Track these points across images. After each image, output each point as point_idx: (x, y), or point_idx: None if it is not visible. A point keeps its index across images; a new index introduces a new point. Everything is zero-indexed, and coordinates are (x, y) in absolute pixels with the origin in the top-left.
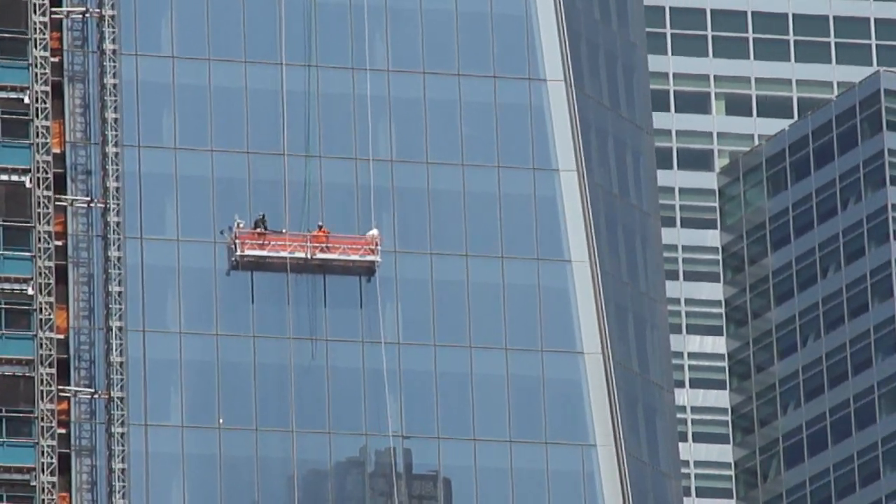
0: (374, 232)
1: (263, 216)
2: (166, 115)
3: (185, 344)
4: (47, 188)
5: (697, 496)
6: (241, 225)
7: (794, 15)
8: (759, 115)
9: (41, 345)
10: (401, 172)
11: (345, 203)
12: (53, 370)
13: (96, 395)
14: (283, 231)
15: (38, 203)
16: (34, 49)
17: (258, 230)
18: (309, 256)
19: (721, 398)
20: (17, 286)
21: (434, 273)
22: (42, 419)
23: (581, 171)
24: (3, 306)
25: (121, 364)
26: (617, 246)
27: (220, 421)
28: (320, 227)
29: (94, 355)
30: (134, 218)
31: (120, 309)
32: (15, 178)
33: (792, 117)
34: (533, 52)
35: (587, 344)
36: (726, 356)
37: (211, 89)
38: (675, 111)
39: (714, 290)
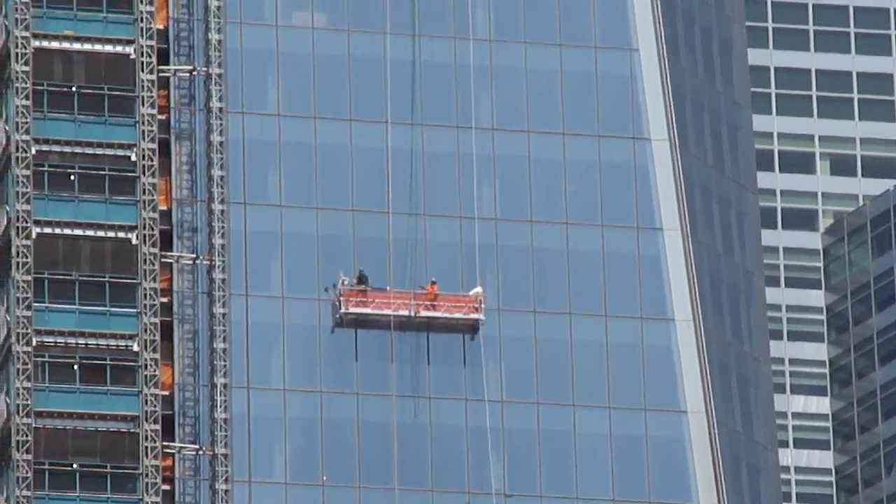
0: (478, 290)
1: (362, 272)
2: (272, 172)
3: (289, 401)
4: (153, 245)
5: None
6: (346, 282)
7: None
8: (863, 175)
9: (146, 401)
10: (505, 231)
11: (449, 261)
12: (158, 426)
13: (201, 452)
14: (387, 289)
15: (145, 260)
16: (141, 107)
17: (361, 287)
18: (413, 314)
19: (825, 458)
20: (122, 342)
21: (538, 331)
22: (146, 475)
23: (685, 230)
24: (108, 362)
25: (225, 420)
26: (721, 305)
27: (324, 478)
28: (433, 283)
29: (198, 412)
30: (239, 275)
31: (225, 365)
32: (121, 234)
33: None
34: (637, 111)
35: (691, 403)
36: (830, 416)
37: (316, 147)
38: (780, 171)
39: (818, 350)
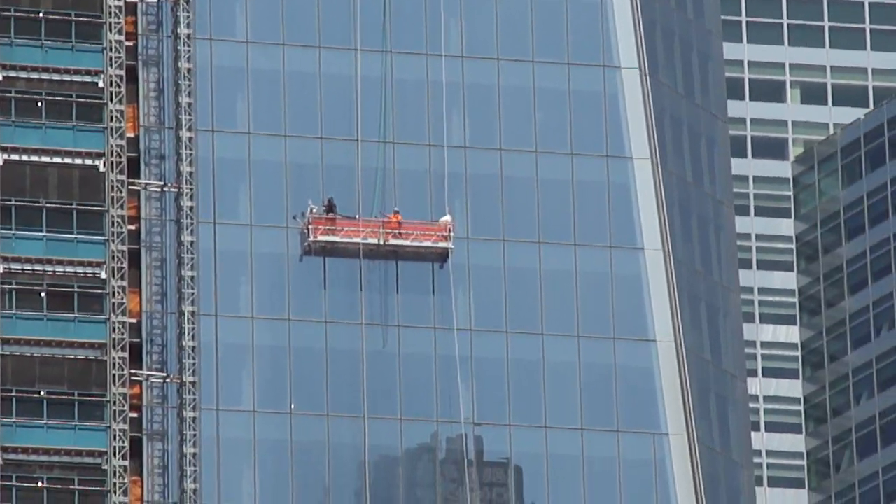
0: (447, 218)
1: (331, 199)
2: (240, 99)
3: (256, 329)
4: (121, 172)
5: (769, 486)
6: (314, 210)
7: (869, 3)
8: (834, 103)
9: (113, 329)
10: (474, 159)
11: (418, 189)
12: (126, 354)
13: (168, 380)
14: (356, 217)
15: (112, 187)
16: (109, 33)
17: (329, 215)
18: (381, 242)
19: (794, 388)
20: (90, 270)
21: (506, 260)
22: (114, 403)
23: (655, 159)
24: (76, 290)
25: (193, 348)
26: (690, 234)
27: (292, 406)
28: (395, 212)
29: (166, 339)
30: (207, 202)
31: (192, 293)
32: (89, 161)
33: (867, 106)
34: (607, 39)
35: (659, 332)
36: (799, 345)
37: (285, 74)
38: (750, 99)
39: (788, 280)
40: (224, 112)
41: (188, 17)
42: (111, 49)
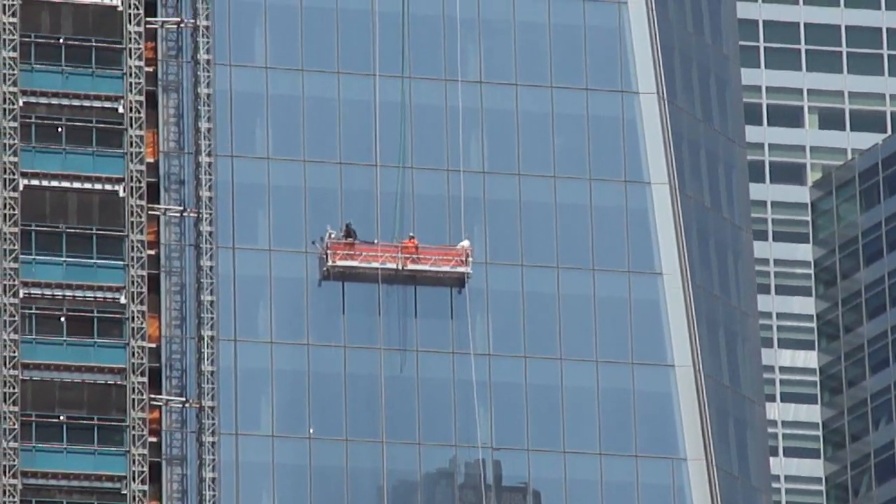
0: (466, 243)
1: (350, 224)
2: (259, 125)
3: (276, 353)
4: (140, 197)
5: None
6: (333, 235)
7: (887, 29)
8: (852, 129)
9: (133, 353)
10: (492, 184)
11: (436, 214)
12: (145, 379)
13: (187, 404)
14: (375, 242)
15: (132, 212)
16: (129, 59)
17: (349, 240)
18: (400, 267)
19: (812, 413)
20: (109, 295)
21: (525, 285)
22: (133, 428)
23: (673, 184)
24: (95, 315)
25: (212, 373)
26: (709, 259)
27: (311, 431)
28: (411, 238)
29: (185, 364)
30: (226, 227)
31: (212, 318)
32: (108, 187)
33: (885, 131)
34: (626, 64)
35: (678, 357)
36: (818, 370)
37: (304, 100)
38: (768, 124)
39: (806, 305)
40: (243, 137)
41: (208, 42)
42: (131, 74)
